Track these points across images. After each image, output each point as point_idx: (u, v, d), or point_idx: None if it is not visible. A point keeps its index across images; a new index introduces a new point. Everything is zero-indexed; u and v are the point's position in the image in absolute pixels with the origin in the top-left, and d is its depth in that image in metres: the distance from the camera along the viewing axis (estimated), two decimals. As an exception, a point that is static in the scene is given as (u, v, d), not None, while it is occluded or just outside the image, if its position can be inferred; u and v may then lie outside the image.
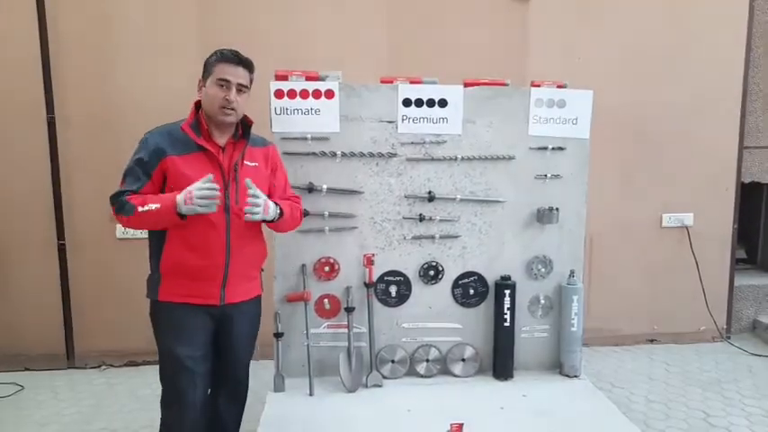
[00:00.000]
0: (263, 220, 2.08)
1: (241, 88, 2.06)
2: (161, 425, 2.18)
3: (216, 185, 1.92)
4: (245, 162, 2.13)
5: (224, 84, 2.03)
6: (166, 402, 2.16)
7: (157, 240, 2.06)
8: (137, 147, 2.05)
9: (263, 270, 2.28)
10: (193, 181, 1.95)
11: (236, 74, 2.05)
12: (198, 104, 2.12)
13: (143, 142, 2.05)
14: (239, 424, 2.35)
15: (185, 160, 2.01)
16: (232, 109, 2.04)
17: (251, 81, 2.12)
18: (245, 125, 2.15)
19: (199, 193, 1.89)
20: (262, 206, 2.01)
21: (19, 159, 3.58)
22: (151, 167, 2.01)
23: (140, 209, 1.93)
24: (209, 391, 2.22)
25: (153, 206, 1.93)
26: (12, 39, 3.49)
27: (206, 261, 2.04)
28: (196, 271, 2.05)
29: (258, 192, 2.01)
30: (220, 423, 2.29)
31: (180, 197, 1.90)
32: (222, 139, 2.10)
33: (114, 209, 2.01)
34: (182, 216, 1.92)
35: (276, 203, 2.11)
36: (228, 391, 2.29)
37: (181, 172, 2.00)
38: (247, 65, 2.09)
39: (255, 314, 2.28)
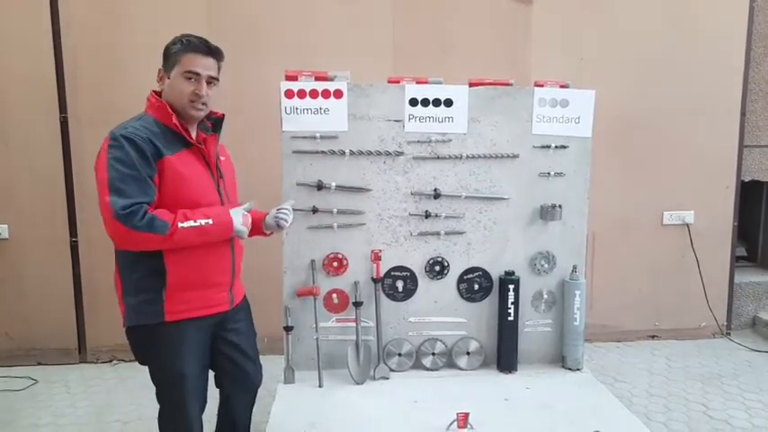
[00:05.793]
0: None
1: (211, 80, 1.88)
2: None
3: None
4: (220, 157, 2.04)
5: (193, 76, 1.83)
6: (168, 418, 2.04)
7: (149, 257, 1.81)
8: (121, 150, 1.71)
9: None
10: (192, 182, 1.82)
11: (207, 65, 1.86)
12: (158, 95, 1.90)
13: (131, 144, 1.71)
14: (250, 416, 2.33)
15: (179, 158, 1.82)
16: (203, 104, 1.87)
17: (219, 70, 1.93)
18: (213, 118, 2.03)
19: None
20: (291, 218, 2.12)
21: (32, 158, 3.64)
22: (153, 171, 1.75)
23: (181, 224, 1.71)
24: (222, 389, 2.21)
25: (202, 221, 1.74)
26: (25, 39, 3.55)
27: (218, 265, 1.97)
28: (209, 276, 1.94)
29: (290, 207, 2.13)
30: (233, 417, 2.24)
31: (238, 219, 1.88)
32: (193, 133, 1.94)
33: (129, 226, 1.66)
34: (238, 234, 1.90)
35: None
36: (241, 386, 2.22)
37: (179, 173, 1.80)
38: (217, 54, 1.90)
39: (249, 309, 2.28)
